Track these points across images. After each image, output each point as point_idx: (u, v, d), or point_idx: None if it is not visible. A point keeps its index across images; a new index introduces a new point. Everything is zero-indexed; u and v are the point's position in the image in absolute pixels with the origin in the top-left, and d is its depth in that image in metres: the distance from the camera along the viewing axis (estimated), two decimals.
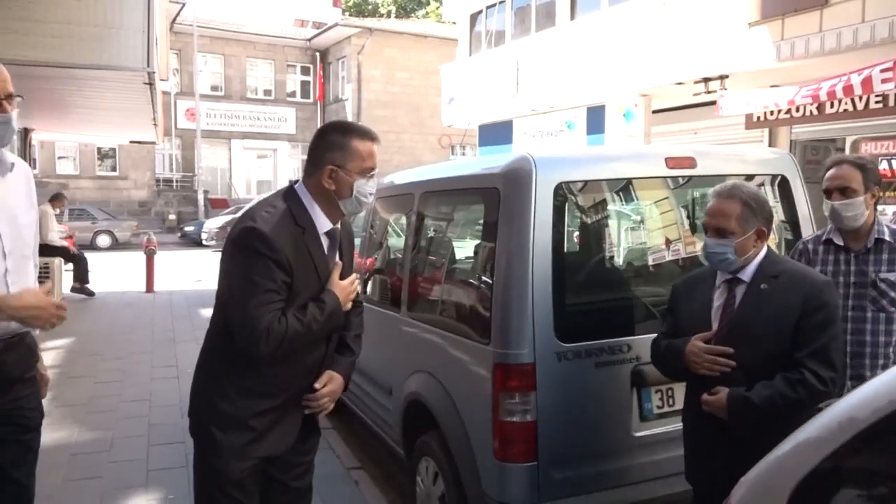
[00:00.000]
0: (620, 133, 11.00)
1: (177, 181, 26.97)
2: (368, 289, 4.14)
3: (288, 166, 28.13)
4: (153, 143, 11.82)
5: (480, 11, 15.53)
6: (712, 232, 2.32)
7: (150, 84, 5.85)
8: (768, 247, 2.37)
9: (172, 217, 25.55)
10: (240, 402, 2.12)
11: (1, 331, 2.14)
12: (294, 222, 2.12)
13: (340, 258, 2.27)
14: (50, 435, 3.99)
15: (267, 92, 28.52)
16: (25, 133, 9.25)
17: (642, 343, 2.69)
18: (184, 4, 23.99)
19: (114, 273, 13.44)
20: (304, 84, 29.13)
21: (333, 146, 2.17)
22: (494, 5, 14.89)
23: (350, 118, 26.50)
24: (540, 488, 2.62)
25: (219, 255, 2.25)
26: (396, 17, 35.09)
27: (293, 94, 28.96)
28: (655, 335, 2.52)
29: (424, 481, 3.22)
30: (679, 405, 2.69)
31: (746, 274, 2.32)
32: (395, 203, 4.01)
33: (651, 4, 10.28)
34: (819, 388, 2.16)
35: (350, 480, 3.93)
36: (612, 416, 2.73)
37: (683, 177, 3.05)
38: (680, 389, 2.68)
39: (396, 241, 4.09)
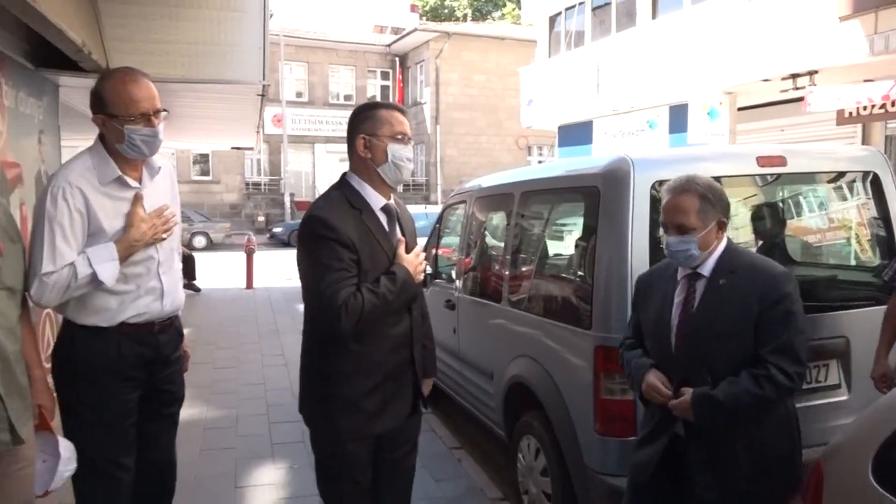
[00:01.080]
0: (704, 131, 10.95)
1: (264, 184, 28.23)
2: (469, 283, 4.46)
3: None
4: (251, 148, 12.59)
5: (559, 13, 15.67)
6: (673, 230, 2.27)
7: (262, 95, 6.38)
8: (728, 238, 2.35)
9: (261, 219, 26.78)
10: (345, 385, 2.26)
11: (156, 315, 2.55)
12: (350, 205, 2.27)
13: (402, 234, 2.40)
14: (184, 412, 4.50)
15: (348, 97, 29.43)
16: None
17: None
18: (271, 15, 25.09)
19: (213, 271, 14.36)
20: (384, 88, 29.89)
21: (362, 119, 2.34)
22: (573, 7, 15.01)
23: (428, 121, 27.04)
24: None
25: None
26: (473, 19, 35.45)
27: (373, 98, 29.78)
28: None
29: (526, 457, 3.51)
30: None
31: (706, 268, 2.29)
32: (494, 202, 4.32)
33: (737, 1, 10.21)
34: (785, 384, 2.14)
35: (453, 458, 4.27)
36: None
37: (773, 174, 3.22)
38: None
39: (495, 239, 4.40)
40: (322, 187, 28.87)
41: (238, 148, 13.07)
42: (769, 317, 2.17)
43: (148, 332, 2.52)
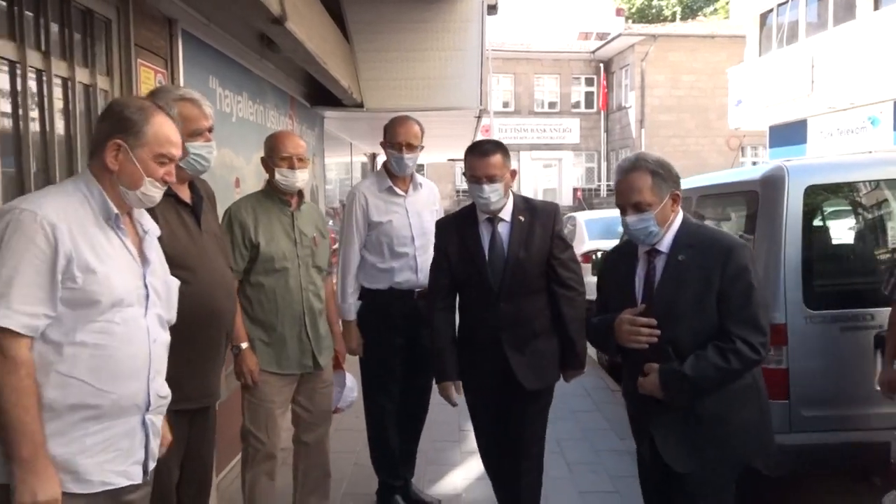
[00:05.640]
0: None
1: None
2: None
3: (572, 174, 29.55)
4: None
5: (770, 10, 15.22)
6: (630, 209, 2.30)
7: (478, 117, 7.50)
8: (684, 213, 2.38)
9: None
10: None
11: (413, 284, 3.58)
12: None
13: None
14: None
15: (552, 105, 30.20)
16: (373, 157, 11.78)
17: (885, 314, 3.30)
18: None
19: None
20: (588, 95, 30.26)
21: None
22: (786, 2, 14.53)
23: (633, 125, 27.02)
24: (791, 422, 3.38)
25: None
26: (682, 18, 34.56)
27: (577, 104, 30.25)
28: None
29: None
30: None
31: (664, 244, 2.33)
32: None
33: None
34: (751, 356, 2.19)
35: None
36: (855, 371, 3.37)
37: None
38: None
39: None
40: (527, 193, 29.95)
41: (453, 160, 14.53)
42: (732, 290, 2.21)
43: (409, 297, 3.58)
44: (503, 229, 3.00)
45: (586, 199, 27.41)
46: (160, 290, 1.92)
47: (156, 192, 1.87)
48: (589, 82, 30.30)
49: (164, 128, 1.84)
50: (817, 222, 3.63)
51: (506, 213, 3.00)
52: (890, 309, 3.05)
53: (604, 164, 29.52)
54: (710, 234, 2.38)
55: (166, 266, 2.02)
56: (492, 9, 6.52)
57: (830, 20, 13.23)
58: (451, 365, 3.06)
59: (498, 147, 2.99)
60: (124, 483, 1.80)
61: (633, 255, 2.44)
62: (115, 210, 1.79)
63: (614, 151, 28.77)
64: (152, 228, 1.99)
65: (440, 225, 3.20)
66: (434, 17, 6.18)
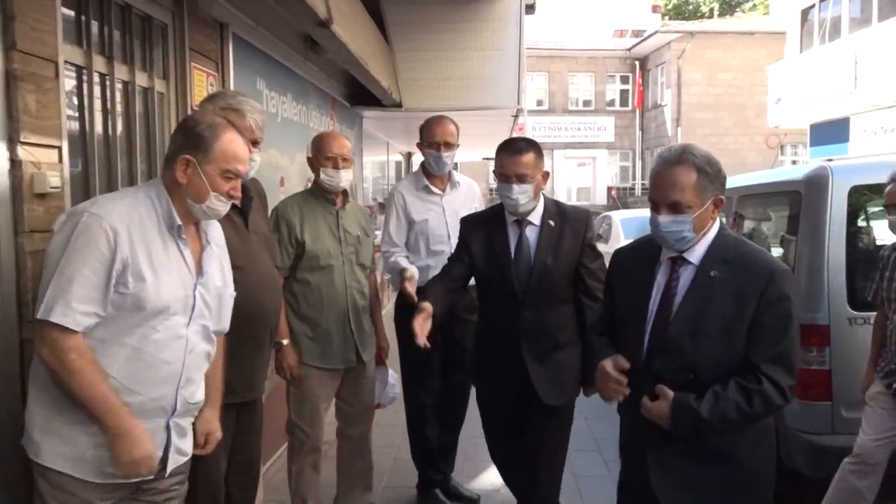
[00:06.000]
0: None
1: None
2: None
3: (606, 173, 29.32)
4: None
5: (812, 6, 14.93)
6: (666, 208, 1.94)
7: (514, 116, 7.53)
8: (720, 221, 2.05)
9: None
10: None
11: None
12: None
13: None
14: None
15: (587, 103, 29.98)
16: (409, 156, 11.88)
17: None
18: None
19: None
20: (623, 93, 30.00)
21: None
22: None
23: (669, 124, 26.71)
24: (833, 424, 3.37)
25: None
26: (720, 14, 34.05)
27: (612, 102, 30.00)
28: None
29: None
30: None
31: (695, 255, 1.98)
32: None
33: None
34: (777, 401, 1.88)
35: None
36: None
37: None
38: None
39: None
40: (561, 192, 29.87)
41: (487, 158, 14.58)
42: (767, 319, 1.90)
43: None
44: (531, 233, 2.85)
45: (620, 198, 27.19)
46: (210, 301, 1.99)
47: (221, 206, 1.94)
48: (624, 80, 30.02)
49: (232, 145, 1.91)
50: (861, 223, 3.60)
51: (535, 217, 2.86)
52: None
53: (638, 163, 29.24)
54: (750, 251, 2.02)
55: (228, 277, 2.10)
56: (530, 8, 6.55)
57: (875, 16, 12.93)
58: (430, 295, 2.82)
59: (531, 146, 2.81)
60: (138, 478, 1.86)
61: (654, 258, 2.07)
62: (178, 221, 1.87)
63: (649, 150, 28.47)
64: (217, 239, 2.07)
65: (465, 221, 3.08)
66: (473, 17, 6.23)
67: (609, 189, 28.58)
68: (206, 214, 1.94)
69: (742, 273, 1.94)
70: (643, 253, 2.13)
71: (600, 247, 3.35)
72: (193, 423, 2.05)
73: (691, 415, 1.88)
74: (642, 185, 27.66)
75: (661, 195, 1.96)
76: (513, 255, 2.83)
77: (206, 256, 1.99)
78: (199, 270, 1.95)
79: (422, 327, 2.65)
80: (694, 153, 1.94)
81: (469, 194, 3.89)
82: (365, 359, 3.28)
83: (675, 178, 1.93)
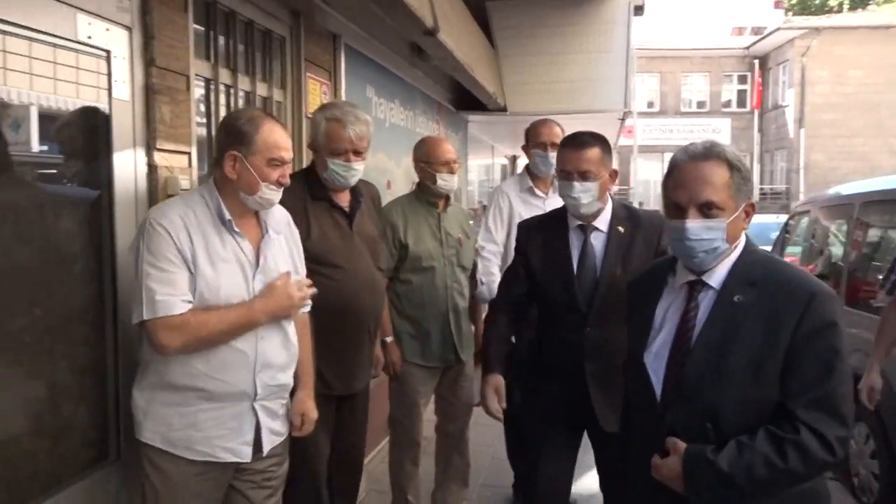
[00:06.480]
0: None
1: (612, 194, 29.25)
2: None
3: None
4: None
5: None
6: (695, 210, 1.60)
7: (622, 119, 7.41)
8: (746, 236, 1.71)
9: None
10: None
11: None
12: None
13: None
14: None
15: (701, 104, 28.90)
16: (514, 159, 11.92)
17: None
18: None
19: None
20: (740, 93, 28.68)
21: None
22: None
23: (790, 125, 25.29)
24: None
25: None
26: (850, 8, 31.82)
27: (728, 103, 28.75)
28: None
29: (857, 441, 3.86)
30: None
31: (716, 278, 1.65)
32: (835, 212, 4.66)
33: None
34: (822, 456, 1.48)
35: None
36: None
37: None
38: None
39: (837, 246, 4.71)
40: None
41: None
42: (806, 352, 1.53)
43: None
44: (597, 240, 2.52)
45: None
46: None
47: (273, 195, 2.02)
48: (742, 80, 28.70)
49: (273, 134, 1.99)
50: None
51: (602, 222, 2.53)
52: None
53: (756, 167, 27.79)
54: (783, 270, 1.66)
55: (299, 262, 2.22)
56: (638, 10, 6.42)
57: None
58: (496, 356, 2.59)
59: (596, 140, 2.50)
60: (230, 459, 1.99)
61: (661, 283, 1.76)
62: (228, 216, 1.97)
63: (769, 153, 27.04)
64: (280, 227, 2.16)
65: (522, 226, 2.75)
66: (579, 20, 6.19)
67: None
68: (260, 205, 2.03)
69: (773, 297, 1.58)
70: (652, 279, 1.84)
71: None
72: (288, 406, 2.19)
73: (709, 470, 1.51)
74: (760, 190, 26.30)
75: (690, 194, 1.61)
76: (576, 264, 2.51)
77: (263, 245, 2.06)
78: (257, 259, 2.03)
79: (493, 399, 2.52)
80: (724, 148, 1.65)
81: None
82: (463, 358, 3.35)
83: (706, 173, 1.60)
